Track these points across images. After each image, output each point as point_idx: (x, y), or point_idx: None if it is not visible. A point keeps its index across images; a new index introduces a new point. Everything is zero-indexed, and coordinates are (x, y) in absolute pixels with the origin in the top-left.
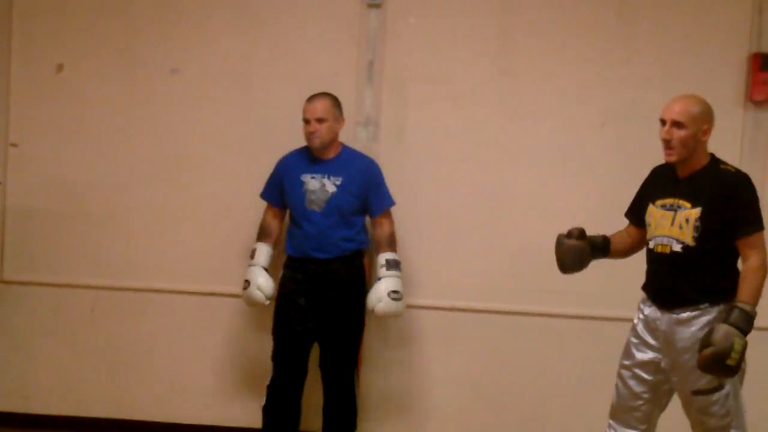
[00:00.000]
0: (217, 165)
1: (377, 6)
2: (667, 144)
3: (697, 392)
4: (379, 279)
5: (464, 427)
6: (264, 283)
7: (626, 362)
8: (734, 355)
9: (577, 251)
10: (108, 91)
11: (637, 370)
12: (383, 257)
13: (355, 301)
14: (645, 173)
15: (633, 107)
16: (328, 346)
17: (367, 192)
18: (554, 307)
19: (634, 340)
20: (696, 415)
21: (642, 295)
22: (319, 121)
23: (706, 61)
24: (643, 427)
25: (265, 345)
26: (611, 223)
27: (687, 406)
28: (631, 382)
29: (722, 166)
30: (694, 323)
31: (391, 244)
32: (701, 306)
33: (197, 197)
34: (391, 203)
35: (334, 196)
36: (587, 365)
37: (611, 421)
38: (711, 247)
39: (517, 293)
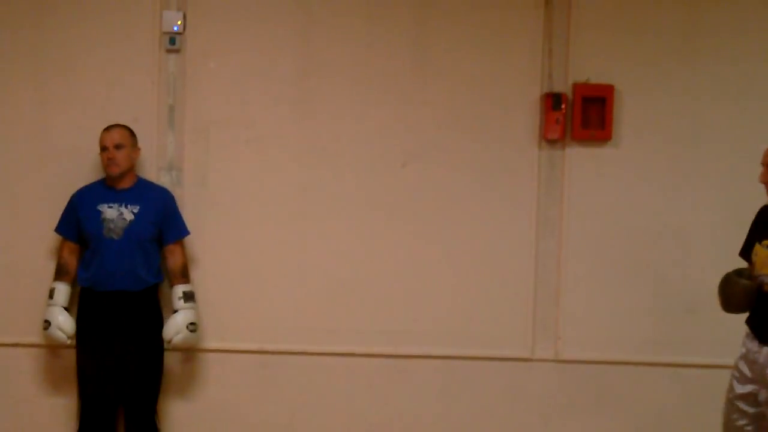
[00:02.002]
0: (13, 214)
1: (176, 51)
2: None
3: None
4: (176, 311)
5: None
6: (64, 322)
7: (729, 395)
8: None
9: (752, 292)
10: None
11: (738, 403)
12: (180, 289)
13: (153, 334)
14: (447, 211)
15: (433, 148)
16: (130, 379)
17: (162, 220)
18: (365, 347)
19: (735, 373)
20: None
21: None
22: (117, 147)
23: (502, 102)
24: None
25: None
26: (417, 262)
27: None
28: (734, 415)
29: None
30: None
31: (186, 275)
32: None
33: None
34: (186, 233)
35: (132, 224)
36: (398, 403)
37: None
38: None
39: (324, 335)
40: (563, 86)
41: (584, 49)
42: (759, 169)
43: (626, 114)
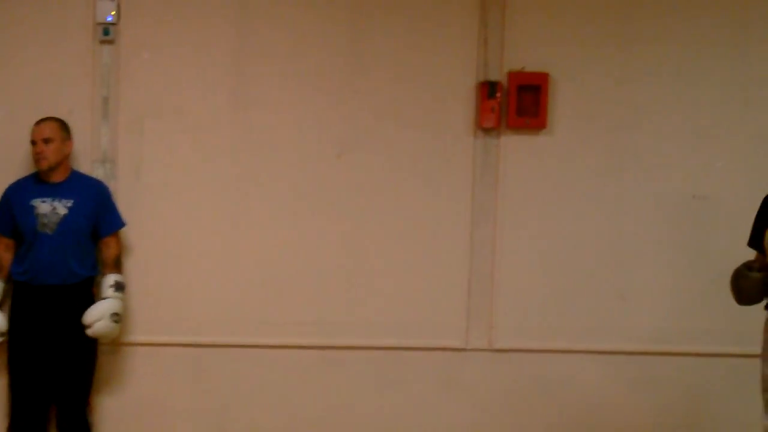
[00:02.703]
0: None
1: (110, 42)
2: None
3: None
4: (105, 299)
5: None
6: None
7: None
8: None
9: (764, 283)
10: None
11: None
12: (112, 278)
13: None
14: (383, 201)
15: (369, 137)
16: (62, 374)
17: (97, 213)
18: (298, 339)
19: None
20: None
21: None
22: (46, 141)
23: (437, 91)
24: None
25: None
26: (351, 252)
27: None
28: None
29: None
30: None
31: (118, 265)
32: None
33: None
34: (122, 225)
35: (66, 218)
36: (332, 395)
37: None
38: None
39: (258, 326)
40: (498, 75)
41: (519, 38)
42: (693, 155)
43: (561, 101)
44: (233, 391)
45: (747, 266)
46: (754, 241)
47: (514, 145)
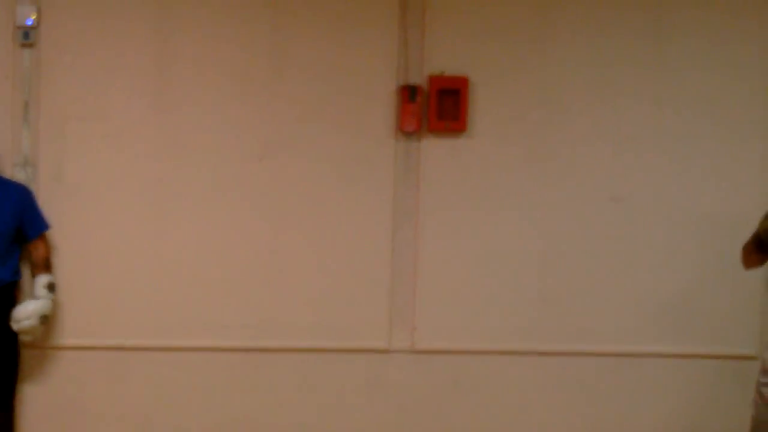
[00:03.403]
0: None
1: (30, 45)
2: None
3: None
4: (37, 299)
5: None
6: None
7: (762, 380)
8: None
9: None
10: None
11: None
12: (45, 278)
13: (10, 332)
14: (305, 203)
15: (291, 140)
16: None
17: (22, 216)
18: (222, 341)
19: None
20: None
21: None
22: None
23: (359, 94)
24: None
25: None
26: (275, 254)
27: None
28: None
29: None
30: None
31: (49, 266)
32: None
33: None
34: (47, 227)
35: None
36: (256, 397)
37: None
38: None
39: (182, 329)
40: (419, 78)
41: (440, 41)
42: (611, 157)
43: (481, 105)
44: (157, 394)
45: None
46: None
47: (434, 148)
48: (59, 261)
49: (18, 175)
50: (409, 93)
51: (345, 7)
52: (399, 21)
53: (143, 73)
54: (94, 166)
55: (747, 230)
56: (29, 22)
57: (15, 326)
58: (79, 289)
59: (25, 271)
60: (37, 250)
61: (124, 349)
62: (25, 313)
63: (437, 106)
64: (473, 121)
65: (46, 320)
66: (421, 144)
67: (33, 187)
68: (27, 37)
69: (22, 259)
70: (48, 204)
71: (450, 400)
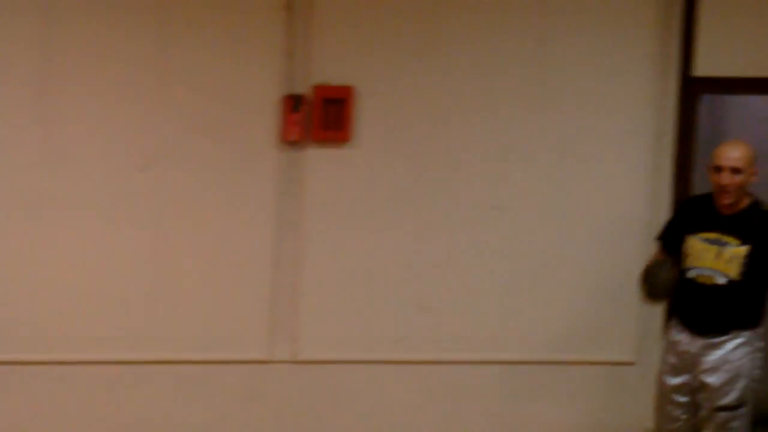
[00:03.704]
0: None
1: None
2: (725, 188)
3: (721, 408)
4: None
5: None
6: None
7: (663, 389)
8: None
9: (674, 282)
10: None
11: (672, 395)
12: None
13: None
14: (188, 214)
15: (174, 151)
16: None
17: None
18: (100, 354)
19: (665, 367)
20: (713, 430)
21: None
22: None
23: (243, 105)
24: None
25: None
26: (155, 265)
27: (706, 422)
28: (669, 407)
29: (763, 208)
30: (724, 346)
31: None
32: (733, 331)
33: None
34: None
35: None
36: (135, 411)
37: None
38: (753, 281)
39: (61, 342)
40: (304, 88)
41: (326, 52)
42: (494, 166)
43: (366, 114)
44: (33, 410)
45: (657, 265)
46: (667, 239)
47: (319, 157)
48: None
49: None
50: (293, 102)
51: (230, 18)
52: (285, 31)
53: (26, 83)
54: None
55: (631, 236)
56: None
57: None
58: None
59: None
60: None
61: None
62: None
63: (322, 115)
64: (358, 131)
65: None
66: (304, 154)
67: None
68: None
69: None
70: None
71: (331, 410)
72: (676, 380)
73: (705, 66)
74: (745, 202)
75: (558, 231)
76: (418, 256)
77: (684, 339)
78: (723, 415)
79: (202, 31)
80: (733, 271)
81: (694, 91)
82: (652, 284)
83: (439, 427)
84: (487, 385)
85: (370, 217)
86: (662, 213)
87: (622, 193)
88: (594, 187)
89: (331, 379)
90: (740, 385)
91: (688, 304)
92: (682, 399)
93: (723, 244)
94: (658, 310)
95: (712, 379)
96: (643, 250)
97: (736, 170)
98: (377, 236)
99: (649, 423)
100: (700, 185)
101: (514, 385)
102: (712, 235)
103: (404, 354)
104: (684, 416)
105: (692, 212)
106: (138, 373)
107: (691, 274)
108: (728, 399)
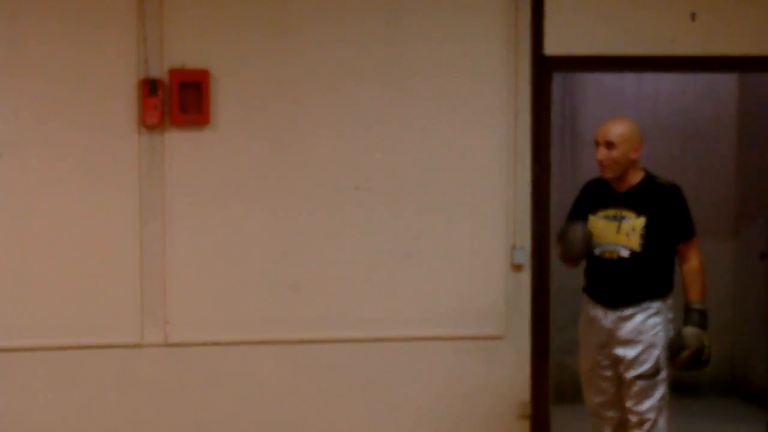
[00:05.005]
0: None
1: None
2: (601, 163)
3: (639, 377)
4: None
5: None
6: None
7: (584, 365)
8: (706, 351)
9: (587, 240)
10: None
11: (598, 370)
12: None
13: None
14: (48, 201)
15: (31, 138)
16: None
17: None
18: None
19: (583, 343)
20: (633, 399)
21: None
22: None
23: (100, 90)
24: (617, 415)
25: None
26: (19, 253)
27: (626, 390)
28: (596, 380)
29: (657, 180)
30: (636, 318)
31: None
32: (643, 303)
33: None
34: None
35: None
36: (3, 399)
37: (593, 417)
38: (655, 252)
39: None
40: (160, 72)
41: (180, 35)
42: (354, 147)
43: (224, 97)
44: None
45: (572, 223)
46: (568, 219)
47: (178, 141)
48: None
49: None
50: (149, 87)
51: (83, 3)
52: (137, 15)
53: None
54: None
55: (493, 212)
56: None
57: None
58: None
59: None
60: None
61: None
62: None
63: (179, 99)
64: (216, 114)
65: None
66: (164, 138)
67: None
68: None
69: None
70: None
71: (205, 392)
72: (598, 356)
73: (555, 45)
74: (638, 176)
75: (422, 210)
76: (283, 236)
77: (599, 314)
78: (641, 383)
79: (54, 17)
80: (634, 242)
81: (546, 69)
82: (566, 243)
83: (311, 406)
84: (358, 362)
85: (233, 199)
86: (522, 189)
87: (482, 170)
88: (455, 165)
89: (204, 361)
90: (655, 354)
91: (597, 279)
92: (608, 373)
93: (621, 219)
94: (525, 286)
95: (627, 351)
96: (505, 225)
97: (610, 144)
98: (242, 217)
99: (524, 395)
100: (558, 162)
101: (385, 362)
102: (611, 212)
103: (274, 334)
104: (612, 389)
105: (592, 193)
106: (6, 360)
107: (597, 251)
108: (644, 368)
